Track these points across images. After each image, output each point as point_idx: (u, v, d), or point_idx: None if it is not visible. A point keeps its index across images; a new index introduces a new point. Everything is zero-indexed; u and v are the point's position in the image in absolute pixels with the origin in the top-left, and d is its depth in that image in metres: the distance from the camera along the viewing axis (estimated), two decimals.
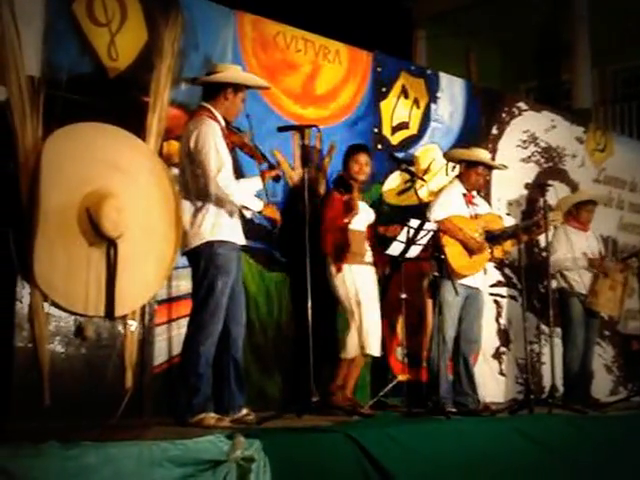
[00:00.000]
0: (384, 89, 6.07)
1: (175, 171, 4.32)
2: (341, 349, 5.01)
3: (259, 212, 4.22)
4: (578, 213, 6.38)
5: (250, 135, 4.27)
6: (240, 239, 4.18)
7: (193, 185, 4.05)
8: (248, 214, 4.35)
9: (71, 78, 4.21)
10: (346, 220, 4.96)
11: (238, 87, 4.20)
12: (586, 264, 6.19)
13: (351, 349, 4.96)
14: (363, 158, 5.17)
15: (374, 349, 5.00)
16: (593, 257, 6.27)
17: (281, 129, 4.74)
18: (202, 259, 4.03)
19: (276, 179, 4.33)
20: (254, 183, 4.25)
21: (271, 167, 4.28)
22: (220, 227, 4.04)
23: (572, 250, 6.14)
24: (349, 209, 4.92)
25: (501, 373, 6.63)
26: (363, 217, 5.12)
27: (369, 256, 5.11)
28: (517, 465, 4.13)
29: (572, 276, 6.21)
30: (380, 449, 3.50)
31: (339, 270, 4.97)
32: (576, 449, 4.47)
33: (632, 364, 7.57)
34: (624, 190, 8.13)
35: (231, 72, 4.25)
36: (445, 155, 6.04)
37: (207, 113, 4.09)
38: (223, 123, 4.13)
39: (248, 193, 4.15)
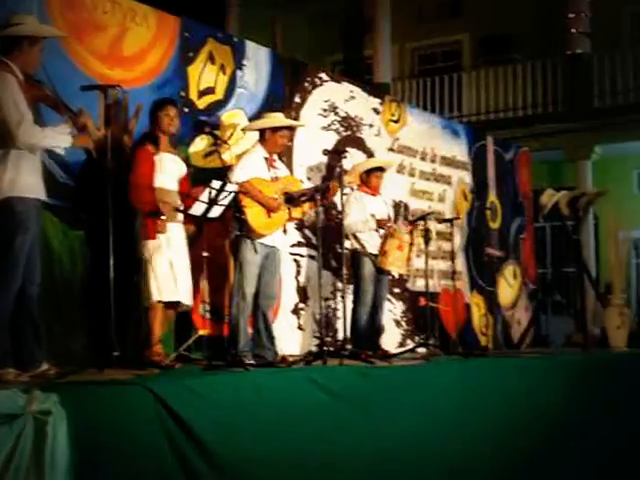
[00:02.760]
0: (191, 54, 6.16)
1: None
2: (144, 298, 5.12)
3: (71, 145, 4.23)
4: (368, 179, 6.72)
5: (51, 87, 4.28)
6: (41, 195, 4.18)
7: None
8: (61, 151, 4.34)
9: None
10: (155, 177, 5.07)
11: (34, 39, 4.18)
12: (375, 226, 6.56)
13: (153, 295, 5.08)
14: (172, 111, 5.29)
15: (185, 297, 5.19)
16: (382, 219, 6.63)
17: (85, 88, 4.71)
18: (0, 215, 4.00)
19: (83, 128, 4.36)
20: (61, 129, 4.23)
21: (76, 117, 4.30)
22: (19, 183, 4.03)
23: (364, 213, 6.48)
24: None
25: (299, 327, 6.95)
26: (174, 169, 5.26)
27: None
28: (311, 412, 4.33)
29: (364, 237, 6.57)
30: (178, 401, 3.56)
31: (151, 225, 5.07)
32: (365, 397, 4.71)
33: (419, 319, 8.10)
34: (415, 158, 8.63)
35: (26, 24, 4.20)
36: (245, 128, 6.24)
37: (2, 66, 4.04)
38: (21, 76, 4.10)
39: (54, 135, 4.16)
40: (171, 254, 5.13)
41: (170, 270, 5.12)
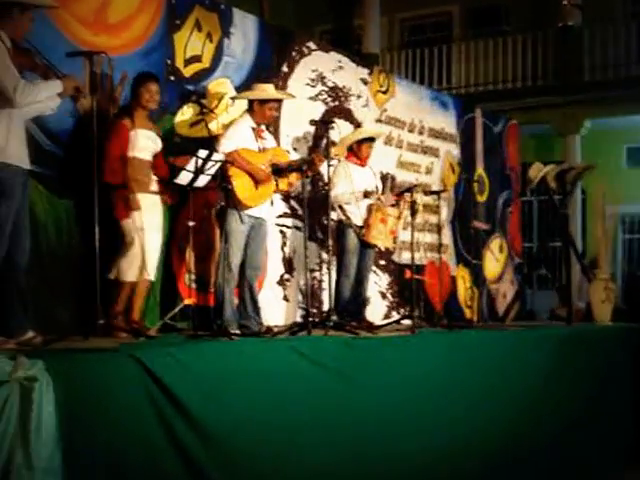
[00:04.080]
0: (178, 21, 6.10)
1: None
2: (118, 272, 5.11)
3: (63, 92, 4.21)
4: (359, 149, 6.73)
5: (40, 55, 4.25)
6: (25, 163, 4.16)
7: None
8: (52, 111, 4.34)
9: None
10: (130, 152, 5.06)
11: (25, 6, 4.14)
12: (362, 198, 6.54)
13: (128, 272, 5.08)
14: (154, 87, 5.24)
15: (151, 274, 5.19)
16: (369, 191, 6.62)
17: (70, 54, 4.68)
18: None
19: (77, 92, 4.33)
20: (54, 85, 4.21)
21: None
22: (5, 150, 4.00)
23: (351, 185, 6.44)
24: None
25: (285, 298, 6.97)
26: (149, 145, 5.23)
27: (154, 185, 5.23)
28: (295, 381, 4.34)
29: (350, 209, 6.56)
30: (163, 369, 3.57)
31: (122, 204, 5.05)
32: (350, 367, 4.72)
33: (405, 291, 8.17)
34: (403, 130, 8.61)
35: None
36: (234, 97, 6.20)
37: None
38: (9, 44, 4.06)
39: (46, 85, 4.15)
40: (145, 227, 5.10)
41: (140, 249, 5.10)
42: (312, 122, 5.96)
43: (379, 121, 8.27)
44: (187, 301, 5.39)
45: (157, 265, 5.30)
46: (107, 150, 5.03)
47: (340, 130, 6.05)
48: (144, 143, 5.19)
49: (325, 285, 6.96)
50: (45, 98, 4.15)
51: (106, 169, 4.99)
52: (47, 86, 4.15)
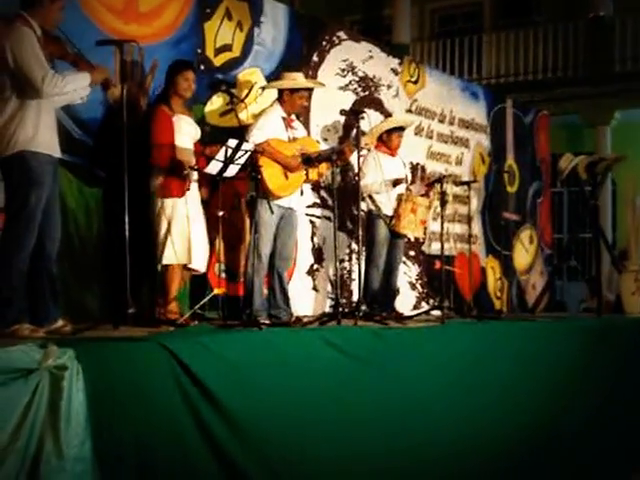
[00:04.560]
0: (208, 10, 6.09)
1: None
2: (160, 257, 5.11)
3: (91, 83, 4.21)
4: (389, 139, 6.69)
5: (70, 44, 4.25)
6: (56, 152, 4.16)
7: (9, 94, 3.99)
8: (81, 100, 4.34)
9: None
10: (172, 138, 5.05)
11: None
12: (392, 188, 6.51)
13: (170, 257, 5.09)
14: (191, 75, 5.25)
15: (199, 264, 5.22)
16: (399, 179, 6.58)
17: (100, 42, 4.68)
18: (15, 170, 3.99)
19: (106, 83, 4.33)
20: (82, 77, 4.19)
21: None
22: (36, 138, 4.01)
23: (381, 174, 6.40)
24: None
25: (314, 289, 6.96)
26: (191, 131, 5.23)
27: (195, 173, 5.23)
28: (325, 371, 4.33)
29: (380, 199, 6.53)
30: (192, 357, 3.57)
31: (175, 183, 5.06)
32: (379, 357, 4.70)
33: (434, 281, 8.14)
34: (434, 121, 8.56)
35: None
36: (265, 87, 6.18)
37: (21, 21, 4.00)
38: (40, 32, 4.07)
39: (75, 77, 4.14)
40: (190, 214, 5.12)
41: (187, 230, 5.11)
42: (342, 112, 5.93)
43: (409, 111, 8.22)
44: (217, 291, 5.38)
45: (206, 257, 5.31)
46: (154, 136, 5.04)
47: (370, 120, 6.01)
48: (187, 129, 5.21)
49: (354, 275, 6.92)
50: (72, 90, 4.14)
51: (156, 154, 5.01)
52: (75, 78, 4.13)
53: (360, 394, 4.51)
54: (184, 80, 5.19)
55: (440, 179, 6.67)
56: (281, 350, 4.19)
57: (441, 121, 8.71)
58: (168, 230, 5.08)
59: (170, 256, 5.09)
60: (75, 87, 4.13)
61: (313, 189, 6.86)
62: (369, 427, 4.50)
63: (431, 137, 8.56)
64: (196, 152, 5.30)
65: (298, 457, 4.06)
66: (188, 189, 5.11)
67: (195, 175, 5.23)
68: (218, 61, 6.18)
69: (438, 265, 7.54)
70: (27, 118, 3.99)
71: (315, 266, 6.99)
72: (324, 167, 5.80)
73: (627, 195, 10.05)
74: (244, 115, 5.90)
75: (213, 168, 5.00)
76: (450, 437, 5.01)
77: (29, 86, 3.94)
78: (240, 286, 5.87)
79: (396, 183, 6.53)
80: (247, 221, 5.92)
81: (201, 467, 3.56)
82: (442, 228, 6.46)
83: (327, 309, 6.84)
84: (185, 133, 5.21)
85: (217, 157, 4.95)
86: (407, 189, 6.57)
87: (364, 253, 6.54)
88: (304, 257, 6.84)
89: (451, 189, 7.63)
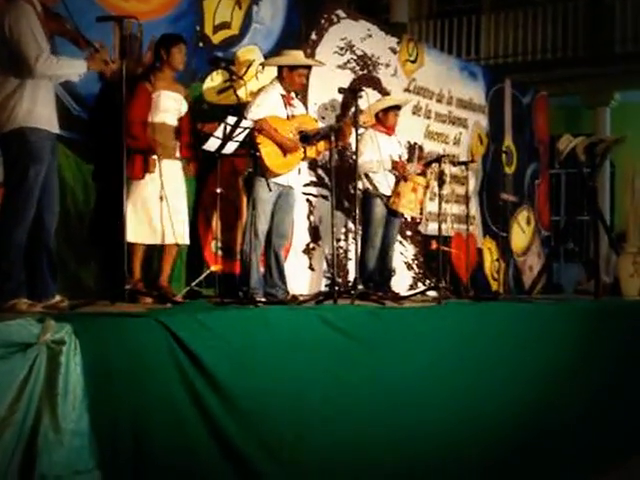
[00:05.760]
0: None
1: None
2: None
3: (88, 70, 4.19)
4: (385, 117, 6.66)
5: (70, 21, 4.22)
6: (54, 128, 4.15)
7: (8, 69, 3.97)
8: (76, 78, 4.31)
9: None
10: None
11: None
12: (390, 167, 6.50)
13: (130, 236, 4.96)
14: (184, 48, 5.24)
15: (182, 238, 5.20)
16: (396, 160, 6.57)
17: (100, 19, 4.67)
18: (14, 146, 3.99)
19: (105, 63, 4.31)
20: (79, 64, 4.17)
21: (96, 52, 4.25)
22: (34, 114, 4.00)
23: (378, 153, 6.35)
24: None
25: (310, 267, 6.97)
26: (173, 107, 5.20)
27: (178, 151, 5.21)
28: (321, 349, 4.32)
29: (377, 178, 6.52)
30: (189, 334, 3.58)
31: (138, 164, 5.03)
32: (375, 336, 4.69)
33: (430, 262, 8.16)
34: (432, 100, 8.55)
35: None
36: (264, 64, 6.15)
37: None
38: (40, 8, 4.04)
39: (71, 63, 4.13)
40: (164, 192, 5.07)
41: (153, 210, 5.07)
42: (341, 90, 5.90)
43: (407, 90, 8.20)
44: (213, 268, 5.39)
45: (187, 231, 5.29)
46: (128, 114, 5.00)
47: (368, 99, 5.99)
48: (168, 104, 5.16)
49: (351, 255, 6.93)
50: (66, 73, 4.12)
51: (126, 132, 4.97)
52: (71, 65, 4.11)
53: (356, 372, 4.51)
54: (179, 52, 5.18)
55: (438, 159, 6.66)
56: (277, 328, 4.18)
57: (439, 101, 8.69)
58: (130, 211, 4.98)
59: (129, 235, 5.02)
60: (69, 72, 4.12)
61: (310, 167, 6.84)
62: (365, 405, 4.51)
63: (429, 117, 8.55)
64: (181, 129, 5.26)
65: (294, 433, 4.08)
66: (150, 171, 5.05)
67: (178, 153, 5.17)
68: (216, 38, 6.16)
69: (435, 246, 7.52)
70: (26, 94, 3.98)
71: (311, 245, 6.99)
72: (322, 145, 5.78)
73: (626, 177, 10.04)
74: (242, 92, 5.86)
75: (211, 145, 4.98)
76: (445, 416, 5.03)
77: (23, 63, 3.93)
78: (237, 264, 5.87)
79: (395, 166, 6.51)
80: (244, 198, 5.91)
81: (197, 443, 3.57)
82: (440, 208, 6.45)
83: (323, 288, 6.84)
84: (165, 110, 5.16)
85: (215, 134, 4.93)
86: (401, 167, 6.54)
87: (360, 232, 6.54)
88: (300, 236, 6.84)
89: (449, 169, 7.59)
